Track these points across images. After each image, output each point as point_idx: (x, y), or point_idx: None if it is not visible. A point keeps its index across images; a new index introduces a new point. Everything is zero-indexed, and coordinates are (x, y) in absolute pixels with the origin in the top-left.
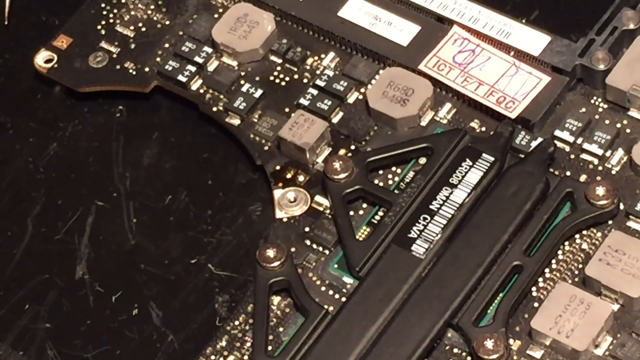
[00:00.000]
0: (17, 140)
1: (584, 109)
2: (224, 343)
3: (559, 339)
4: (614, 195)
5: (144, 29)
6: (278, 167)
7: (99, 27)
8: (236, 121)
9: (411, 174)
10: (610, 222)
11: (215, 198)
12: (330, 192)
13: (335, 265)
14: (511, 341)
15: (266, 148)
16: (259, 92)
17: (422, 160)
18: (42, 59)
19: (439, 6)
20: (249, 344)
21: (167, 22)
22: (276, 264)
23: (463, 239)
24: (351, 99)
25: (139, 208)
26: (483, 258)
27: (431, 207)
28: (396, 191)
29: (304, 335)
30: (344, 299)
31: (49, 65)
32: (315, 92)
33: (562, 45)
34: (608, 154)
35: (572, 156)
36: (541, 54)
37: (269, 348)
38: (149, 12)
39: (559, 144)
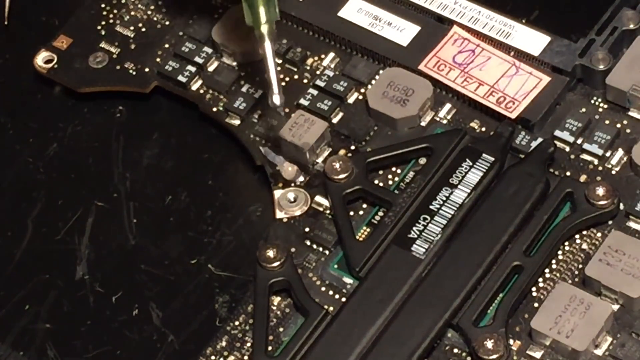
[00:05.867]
0: (17, 140)
1: (584, 109)
2: (224, 343)
3: (559, 339)
4: (614, 195)
5: (144, 29)
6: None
7: (99, 27)
8: (236, 121)
9: (411, 174)
10: (610, 222)
11: (215, 198)
12: (330, 192)
13: (335, 266)
14: (511, 341)
15: (266, 148)
16: (259, 92)
17: (422, 161)
18: (42, 59)
19: (439, 6)
20: (249, 344)
21: (167, 22)
22: (276, 264)
23: (463, 239)
24: (351, 99)
25: (139, 208)
26: (483, 258)
27: (431, 207)
28: (396, 191)
29: (304, 335)
30: (344, 299)
31: (49, 65)
32: (315, 92)
33: (562, 45)
34: (608, 154)
35: (572, 156)
36: (541, 54)
37: (269, 348)
38: (149, 12)
39: (559, 144)
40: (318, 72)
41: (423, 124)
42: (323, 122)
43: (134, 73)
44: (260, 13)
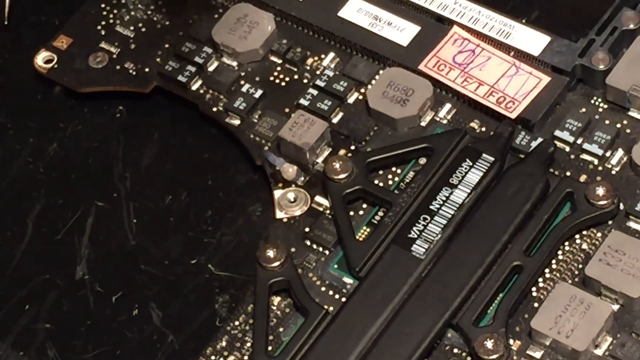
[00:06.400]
0: (17, 140)
1: (584, 109)
2: (224, 343)
3: (559, 339)
4: (614, 195)
5: (144, 29)
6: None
7: (99, 27)
8: (236, 121)
9: (411, 174)
10: (610, 222)
11: (215, 198)
12: (330, 192)
13: (335, 266)
14: (511, 341)
15: (266, 148)
16: (259, 92)
17: (422, 161)
18: (42, 59)
19: (439, 6)
20: (249, 344)
21: (167, 22)
22: (276, 264)
23: (463, 239)
24: (351, 99)
25: (139, 208)
26: (483, 258)
27: (431, 207)
28: (396, 191)
29: (304, 335)
30: (344, 299)
31: (49, 65)
32: (315, 92)
33: (562, 45)
34: (608, 154)
35: (572, 156)
36: (541, 54)
37: (269, 348)
38: (149, 12)
39: (559, 144)
40: (318, 72)
41: (423, 124)
42: (323, 122)
43: (134, 73)
44: None
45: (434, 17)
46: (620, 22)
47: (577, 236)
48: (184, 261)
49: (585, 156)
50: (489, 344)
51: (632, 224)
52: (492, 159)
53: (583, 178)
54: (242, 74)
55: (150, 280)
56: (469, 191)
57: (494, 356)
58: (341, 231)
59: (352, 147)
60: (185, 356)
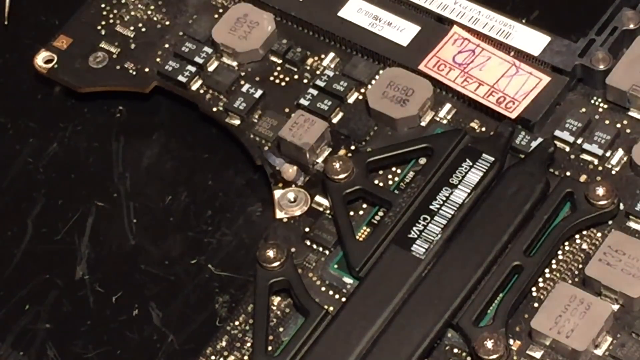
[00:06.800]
0: (17, 140)
1: (584, 109)
2: (224, 343)
3: (559, 339)
4: (614, 195)
5: (144, 29)
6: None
7: (99, 27)
8: (236, 121)
9: (411, 174)
10: (610, 222)
11: (215, 198)
12: (330, 192)
13: (335, 266)
14: (511, 341)
15: (266, 148)
16: (259, 92)
17: (422, 161)
18: (42, 59)
19: (439, 6)
20: (249, 344)
21: (167, 22)
22: (276, 264)
23: (463, 239)
24: (351, 99)
25: (139, 208)
26: (483, 258)
27: (431, 207)
28: (396, 191)
29: (304, 335)
30: (344, 299)
31: (49, 65)
32: (315, 92)
33: (562, 45)
34: (608, 154)
35: (572, 156)
36: (541, 54)
37: (269, 348)
38: (149, 12)
39: (559, 144)
40: (318, 72)
41: (423, 124)
42: (323, 122)
43: (134, 73)
44: None
45: (434, 17)
46: (620, 22)
47: (577, 236)
48: (184, 261)
49: (585, 156)
50: (489, 344)
51: (632, 224)
52: (492, 159)
53: (583, 178)
54: (242, 74)
55: (150, 280)
56: (469, 191)
57: (494, 356)
58: (341, 231)
59: (352, 147)
60: (185, 356)
